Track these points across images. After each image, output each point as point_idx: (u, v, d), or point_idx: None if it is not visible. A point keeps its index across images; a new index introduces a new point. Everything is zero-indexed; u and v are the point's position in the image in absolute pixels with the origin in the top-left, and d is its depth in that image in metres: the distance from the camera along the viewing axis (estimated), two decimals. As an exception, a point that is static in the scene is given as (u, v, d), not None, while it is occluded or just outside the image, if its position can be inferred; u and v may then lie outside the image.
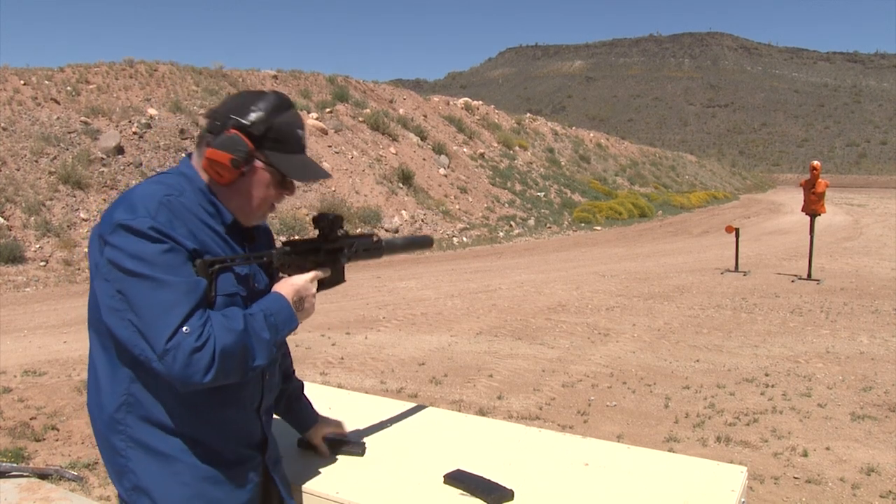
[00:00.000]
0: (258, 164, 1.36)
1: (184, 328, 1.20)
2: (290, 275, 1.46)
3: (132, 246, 1.22)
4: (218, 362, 1.22)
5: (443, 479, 1.59)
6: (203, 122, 1.47)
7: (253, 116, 1.34)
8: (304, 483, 1.60)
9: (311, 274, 1.46)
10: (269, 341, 1.32)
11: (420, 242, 1.86)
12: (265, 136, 1.35)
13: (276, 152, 1.37)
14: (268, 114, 1.35)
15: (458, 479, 1.58)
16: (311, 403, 1.78)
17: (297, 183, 1.45)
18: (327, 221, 1.53)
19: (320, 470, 1.66)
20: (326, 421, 1.78)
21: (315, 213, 1.58)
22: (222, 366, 1.23)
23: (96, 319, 1.33)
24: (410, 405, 2.11)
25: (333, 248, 1.54)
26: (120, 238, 1.23)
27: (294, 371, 1.77)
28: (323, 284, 1.51)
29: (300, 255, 1.48)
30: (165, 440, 1.32)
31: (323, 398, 2.20)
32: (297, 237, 1.57)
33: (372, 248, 1.63)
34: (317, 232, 1.54)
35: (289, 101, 1.42)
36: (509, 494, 1.51)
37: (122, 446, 1.32)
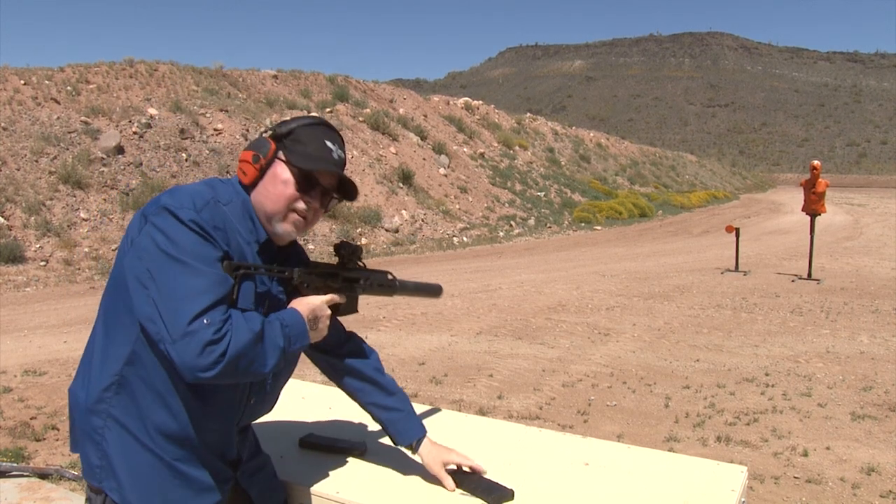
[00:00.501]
0: (277, 160, 1.42)
1: (204, 319, 1.22)
2: (304, 294, 1.49)
3: (172, 230, 1.26)
4: (228, 359, 1.23)
5: None
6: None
7: (283, 125, 1.43)
8: (304, 483, 1.60)
9: (328, 296, 1.49)
10: (282, 349, 1.34)
11: (431, 290, 1.85)
12: (286, 136, 1.42)
13: (293, 152, 1.42)
14: (297, 123, 1.44)
15: (457, 477, 1.58)
16: (413, 414, 1.67)
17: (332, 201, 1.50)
18: (349, 250, 1.57)
19: (321, 470, 1.66)
20: (439, 446, 1.64)
21: (338, 241, 1.61)
22: (232, 363, 1.24)
23: (110, 296, 1.37)
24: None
25: (350, 276, 1.57)
26: (162, 220, 1.27)
27: (380, 368, 1.70)
28: (337, 311, 1.54)
29: (319, 277, 1.51)
30: (145, 430, 1.34)
31: (324, 398, 2.21)
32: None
33: (386, 284, 1.65)
34: (336, 258, 1.58)
35: (325, 122, 1.47)
36: (509, 494, 1.52)
37: (100, 424, 1.34)
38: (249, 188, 1.43)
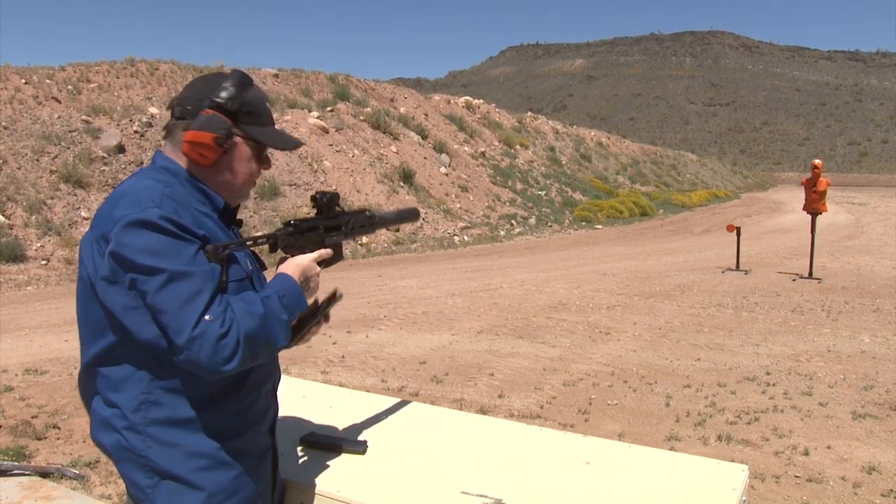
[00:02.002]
0: (237, 139, 1.39)
1: (206, 316, 1.19)
2: (292, 255, 1.46)
3: (144, 240, 1.21)
4: (243, 347, 1.22)
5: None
6: (166, 113, 1.51)
7: (225, 94, 1.36)
8: (305, 481, 1.60)
9: (316, 254, 1.48)
10: (287, 322, 1.33)
11: (408, 215, 1.91)
12: (240, 111, 1.38)
13: (252, 125, 1.40)
14: (238, 90, 1.38)
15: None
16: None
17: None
18: (326, 198, 1.56)
19: (322, 469, 1.66)
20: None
21: (313, 192, 1.59)
22: (247, 350, 1.23)
23: (99, 328, 1.31)
24: (411, 404, 2.11)
25: (332, 224, 1.56)
26: (131, 235, 1.21)
27: None
28: (322, 262, 1.52)
29: (302, 235, 1.49)
30: (185, 436, 1.31)
31: (325, 397, 2.21)
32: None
33: (367, 223, 1.67)
34: (315, 210, 1.57)
35: (250, 77, 1.45)
36: (337, 296, 1.61)
37: (142, 447, 1.30)
38: (193, 165, 1.37)
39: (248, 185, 1.45)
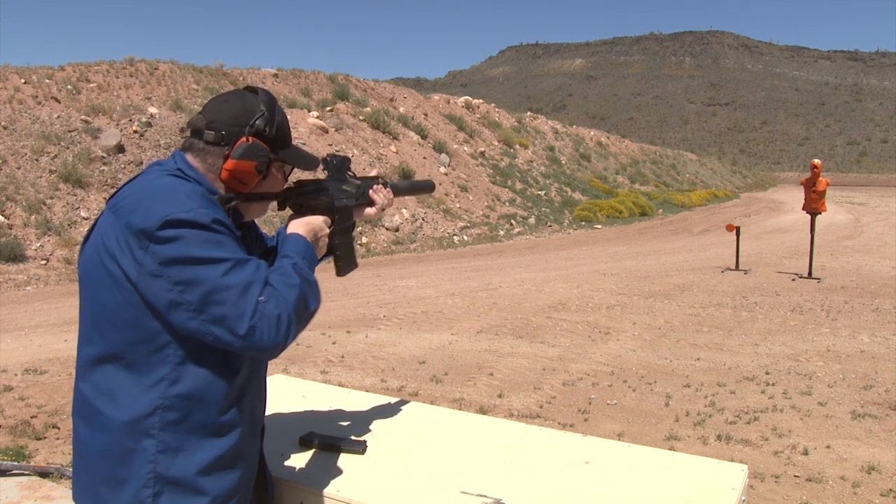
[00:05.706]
0: (274, 164, 1.43)
1: (261, 298, 1.24)
2: (301, 215, 1.50)
3: (197, 235, 1.22)
4: (294, 319, 1.28)
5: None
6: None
7: (261, 122, 1.38)
8: (304, 481, 1.60)
9: (324, 217, 1.52)
10: (315, 283, 1.38)
11: (424, 186, 1.93)
12: (276, 137, 1.41)
13: (284, 149, 1.44)
14: (270, 113, 1.40)
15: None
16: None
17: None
18: (336, 161, 1.59)
19: (321, 469, 1.66)
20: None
21: (325, 155, 1.61)
22: (297, 321, 1.29)
23: (119, 320, 1.27)
24: (411, 403, 2.11)
25: (341, 188, 1.59)
26: (182, 230, 1.21)
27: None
28: (333, 224, 1.56)
29: (311, 195, 1.53)
30: (193, 441, 1.29)
31: (324, 397, 2.21)
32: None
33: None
34: (325, 172, 1.60)
35: (273, 95, 1.47)
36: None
37: (153, 450, 1.26)
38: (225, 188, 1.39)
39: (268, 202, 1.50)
